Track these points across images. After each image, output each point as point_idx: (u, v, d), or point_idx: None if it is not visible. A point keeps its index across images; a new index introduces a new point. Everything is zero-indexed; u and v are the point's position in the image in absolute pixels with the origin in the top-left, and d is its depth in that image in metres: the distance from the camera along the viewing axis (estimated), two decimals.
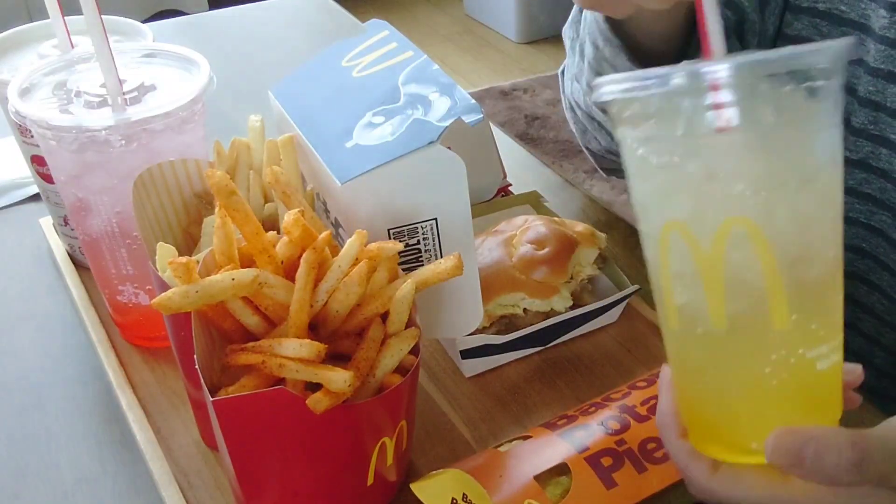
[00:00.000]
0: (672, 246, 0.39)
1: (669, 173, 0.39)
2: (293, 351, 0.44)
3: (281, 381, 0.45)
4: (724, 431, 0.42)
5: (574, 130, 0.79)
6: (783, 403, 0.40)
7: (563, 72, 0.79)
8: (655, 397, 0.55)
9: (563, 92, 0.79)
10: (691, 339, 0.41)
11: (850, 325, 0.75)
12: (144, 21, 0.79)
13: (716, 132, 0.37)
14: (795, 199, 0.37)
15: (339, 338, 0.48)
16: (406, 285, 0.47)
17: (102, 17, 0.58)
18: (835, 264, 0.39)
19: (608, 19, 0.64)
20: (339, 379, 0.43)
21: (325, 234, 0.46)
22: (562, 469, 0.50)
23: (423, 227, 0.52)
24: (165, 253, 0.51)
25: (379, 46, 0.59)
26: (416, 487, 0.51)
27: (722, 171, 0.37)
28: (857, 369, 0.46)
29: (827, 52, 0.36)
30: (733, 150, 0.37)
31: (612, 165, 0.78)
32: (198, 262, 0.46)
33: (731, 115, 0.36)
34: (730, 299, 0.38)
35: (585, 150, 0.80)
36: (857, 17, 0.64)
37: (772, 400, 0.40)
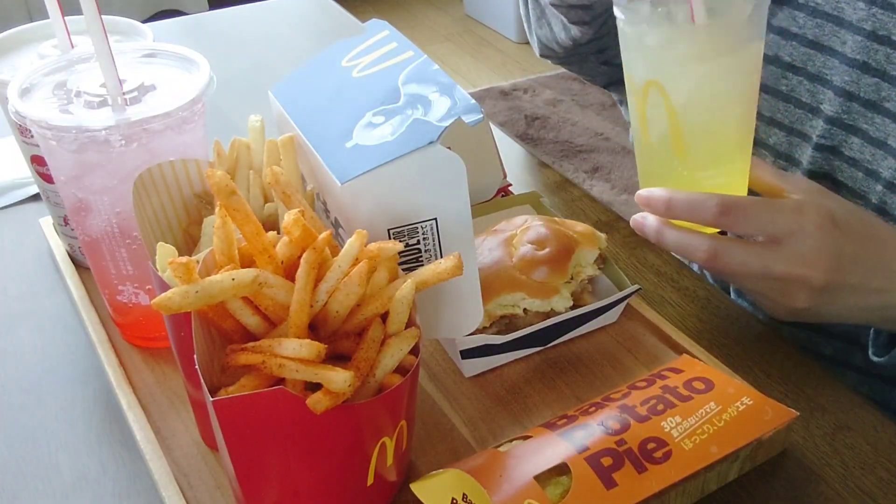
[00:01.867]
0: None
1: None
2: (293, 351, 0.44)
3: (281, 381, 0.45)
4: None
5: (525, 19, 0.92)
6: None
7: None
8: (655, 397, 0.55)
9: None
10: (643, 147, 0.64)
11: (823, 331, 0.76)
12: (144, 21, 0.79)
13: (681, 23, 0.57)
14: (702, 80, 0.58)
15: (339, 338, 0.48)
16: (406, 285, 0.47)
17: (102, 17, 0.58)
18: (733, 127, 0.59)
19: None
20: (339, 379, 0.43)
21: (325, 234, 0.46)
22: (562, 469, 0.50)
23: (423, 227, 0.52)
24: (165, 253, 0.51)
25: (379, 46, 0.59)
26: (416, 487, 0.51)
27: (656, 45, 0.58)
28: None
29: None
30: (670, 37, 0.58)
31: (549, 53, 0.92)
32: (198, 262, 0.46)
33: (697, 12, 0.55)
34: (651, 129, 0.62)
35: (534, 38, 0.91)
36: (832, 10, 0.68)
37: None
